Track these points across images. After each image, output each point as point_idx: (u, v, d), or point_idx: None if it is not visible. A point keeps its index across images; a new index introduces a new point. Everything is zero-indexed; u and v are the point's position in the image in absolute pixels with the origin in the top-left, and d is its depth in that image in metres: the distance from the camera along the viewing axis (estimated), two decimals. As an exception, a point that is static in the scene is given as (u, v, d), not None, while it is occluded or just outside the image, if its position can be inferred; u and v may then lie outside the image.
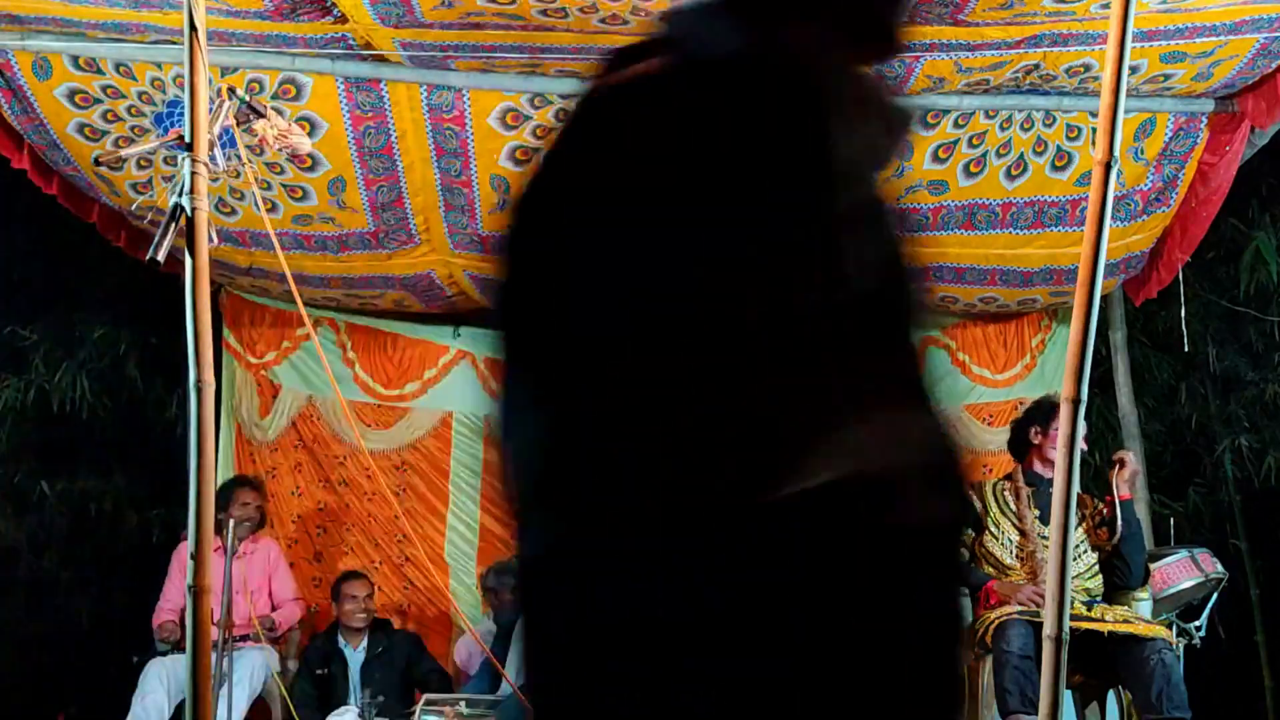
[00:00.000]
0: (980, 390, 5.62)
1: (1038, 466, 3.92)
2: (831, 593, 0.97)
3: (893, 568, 0.99)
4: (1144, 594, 3.83)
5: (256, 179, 4.28)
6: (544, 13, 3.44)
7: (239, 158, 3.58)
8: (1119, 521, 3.71)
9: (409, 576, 5.50)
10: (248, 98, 2.41)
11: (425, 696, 4.15)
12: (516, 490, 1.07)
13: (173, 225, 1.94)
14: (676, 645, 0.96)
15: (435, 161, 4.24)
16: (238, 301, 5.62)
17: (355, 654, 4.74)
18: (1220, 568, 4.22)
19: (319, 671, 4.71)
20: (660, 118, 1.07)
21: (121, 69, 3.86)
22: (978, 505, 3.90)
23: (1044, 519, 3.79)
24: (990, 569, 3.81)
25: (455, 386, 5.71)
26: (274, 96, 3.91)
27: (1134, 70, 3.85)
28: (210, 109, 2.16)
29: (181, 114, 3.49)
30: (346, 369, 5.69)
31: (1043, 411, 3.99)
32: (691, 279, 1.00)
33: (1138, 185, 4.44)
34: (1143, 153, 4.32)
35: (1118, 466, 3.77)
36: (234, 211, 4.49)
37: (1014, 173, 4.37)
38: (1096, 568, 3.77)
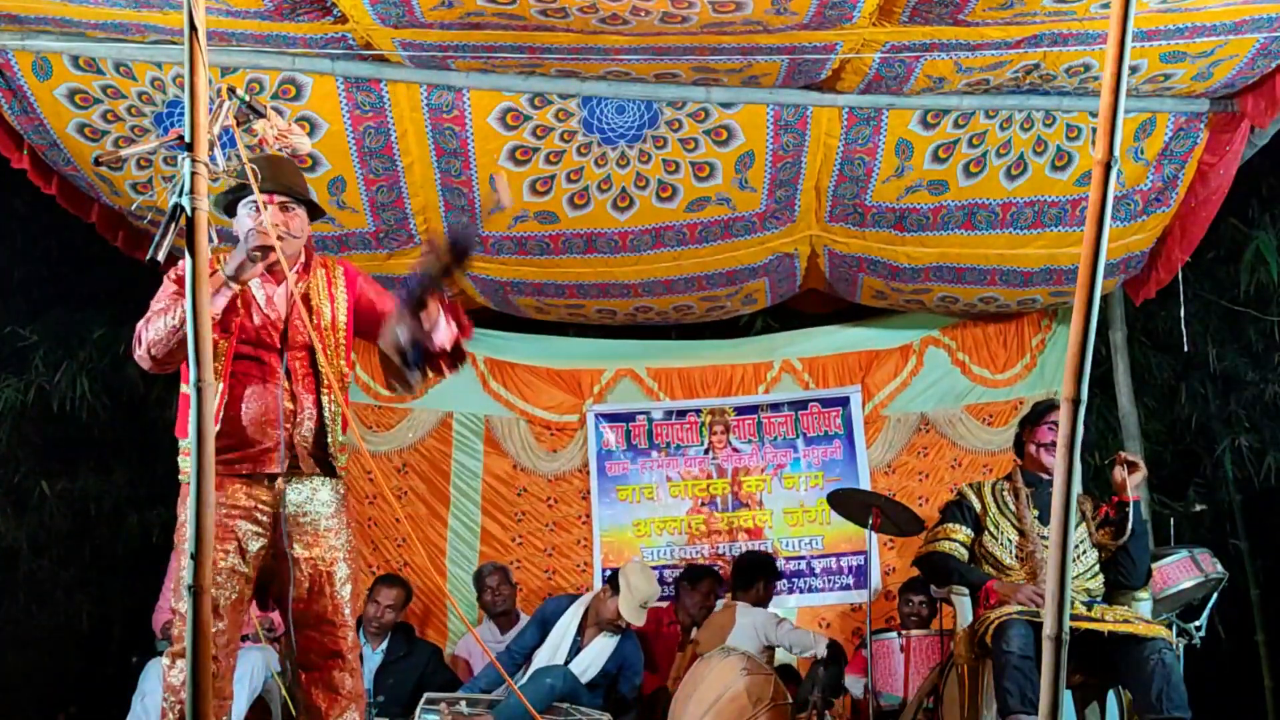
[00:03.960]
0: (980, 390, 5.62)
1: (1032, 465, 3.93)
2: None
3: None
4: (1144, 594, 3.83)
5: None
6: (544, 13, 3.44)
7: (239, 158, 3.58)
8: (1129, 521, 3.72)
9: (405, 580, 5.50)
10: (248, 98, 2.41)
11: (426, 695, 4.15)
12: None
13: (173, 225, 1.94)
14: None
15: (435, 161, 4.24)
16: (238, 301, 5.61)
17: (373, 655, 4.74)
18: (1220, 568, 4.22)
19: None
20: None
21: (121, 69, 3.86)
22: (977, 505, 3.90)
23: (1043, 519, 3.80)
24: (990, 569, 3.81)
25: (455, 386, 5.70)
26: (274, 96, 3.91)
27: (1134, 70, 3.85)
28: (210, 109, 2.16)
29: (181, 114, 3.49)
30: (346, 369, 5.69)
31: (1034, 411, 4.02)
32: None
33: (1138, 185, 4.44)
34: (1143, 153, 4.33)
35: (1128, 468, 3.77)
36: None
37: (1014, 173, 4.38)
38: (1097, 568, 3.77)
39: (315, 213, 2.97)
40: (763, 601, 5.01)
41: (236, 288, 2.71)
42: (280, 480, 2.78)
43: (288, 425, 2.78)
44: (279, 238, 2.70)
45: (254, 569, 2.77)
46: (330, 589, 2.82)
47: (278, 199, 2.81)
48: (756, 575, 5.07)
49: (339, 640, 2.83)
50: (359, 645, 2.94)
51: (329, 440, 2.88)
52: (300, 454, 2.81)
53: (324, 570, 2.82)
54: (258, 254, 2.70)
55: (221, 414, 2.71)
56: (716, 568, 5.45)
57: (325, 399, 2.86)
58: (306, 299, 2.87)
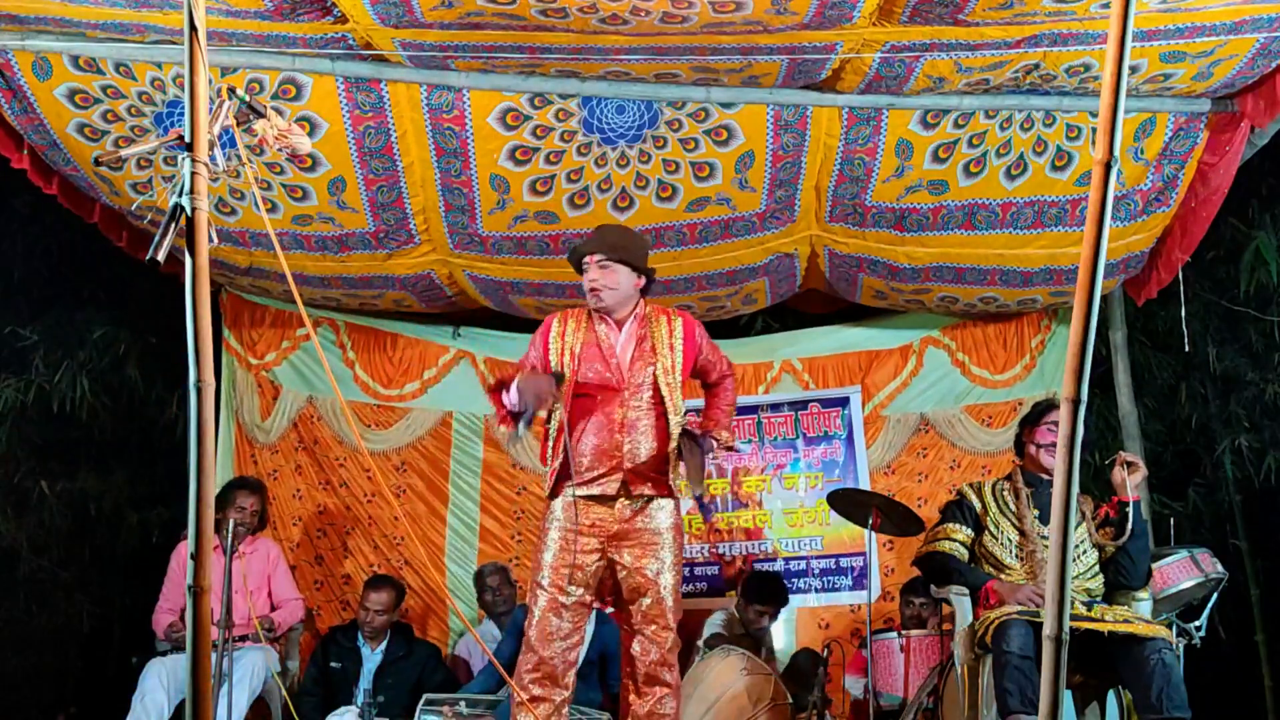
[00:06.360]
0: (980, 391, 5.62)
1: (1032, 466, 3.93)
2: None
3: None
4: (1144, 594, 3.83)
5: (256, 179, 4.28)
6: (544, 13, 3.44)
7: (239, 158, 3.58)
8: (1129, 522, 3.72)
9: (406, 579, 5.50)
10: (248, 98, 2.41)
11: (425, 696, 4.15)
12: None
13: (173, 225, 1.94)
14: None
15: (435, 161, 4.24)
16: (238, 301, 5.62)
17: (372, 656, 4.75)
18: (1220, 568, 4.22)
19: (333, 664, 4.72)
20: None
21: (121, 69, 3.86)
22: (977, 505, 3.90)
23: (1043, 519, 3.80)
24: (990, 569, 3.81)
25: (455, 386, 5.72)
26: (274, 96, 3.91)
27: (1134, 70, 3.85)
28: (210, 109, 2.16)
29: (181, 114, 3.49)
30: (346, 369, 5.70)
31: (1034, 411, 4.03)
32: None
33: (1138, 185, 4.44)
34: (1143, 153, 4.33)
35: (1128, 469, 3.78)
36: (234, 211, 4.49)
37: (1014, 173, 4.38)
38: (1096, 568, 3.78)
39: (639, 270, 3.38)
40: (749, 618, 4.89)
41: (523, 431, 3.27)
42: (620, 501, 3.23)
43: (617, 454, 3.23)
44: (594, 290, 3.30)
45: (595, 579, 3.25)
46: (659, 603, 3.20)
47: (596, 258, 3.31)
48: (749, 596, 4.94)
49: (667, 646, 3.21)
50: (678, 645, 3.28)
51: (667, 468, 3.27)
52: (631, 480, 3.23)
53: (655, 586, 3.20)
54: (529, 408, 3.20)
55: (563, 444, 3.26)
56: (716, 567, 5.46)
57: (671, 435, 3.28)
58: (645, 344, 3.35)
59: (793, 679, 4.41)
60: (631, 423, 3.25)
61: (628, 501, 3.24)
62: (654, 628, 3.20)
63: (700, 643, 4.67)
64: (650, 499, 3.26)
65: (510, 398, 3.24)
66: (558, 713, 3.19)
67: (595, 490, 3.24)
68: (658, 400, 3.29)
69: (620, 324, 3.37)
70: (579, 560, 3.21)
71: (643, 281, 3.40)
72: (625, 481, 3.23)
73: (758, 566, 5.50)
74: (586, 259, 3.34)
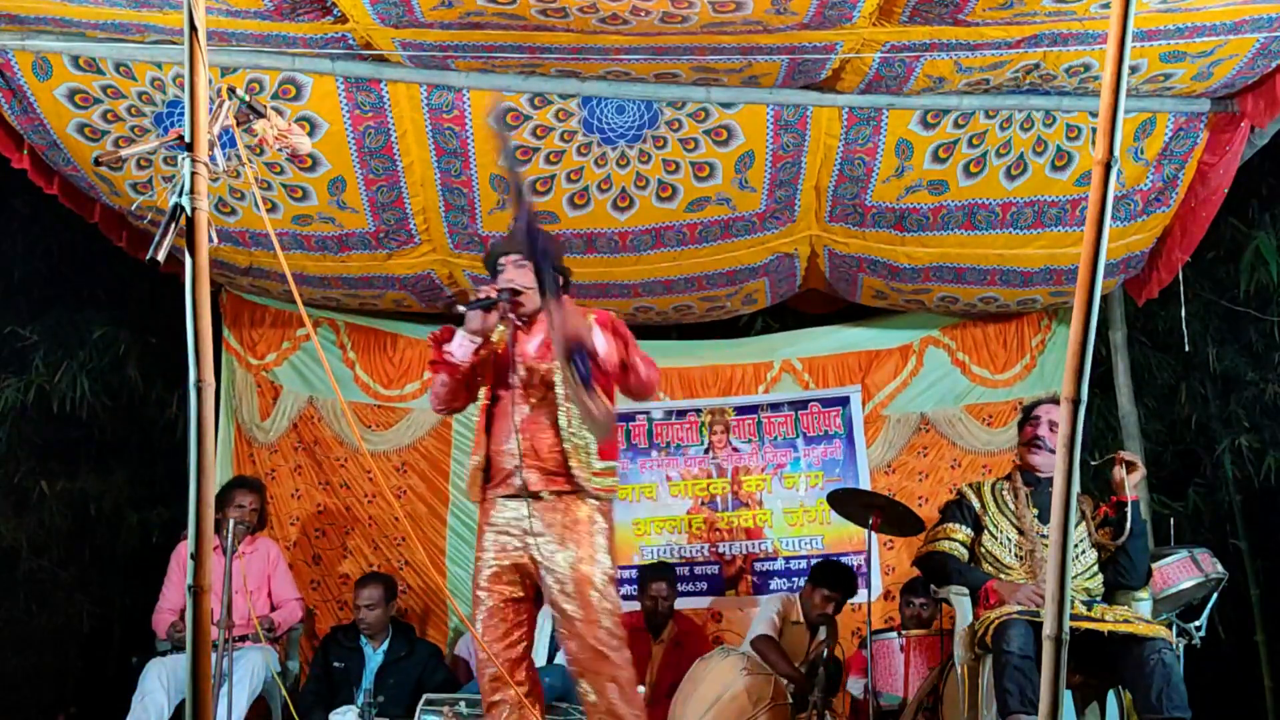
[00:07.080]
0: (980, 390, 5.62)
1: (1025, 465, 3.94)
2: None
3: None
4: (1144, 594, 3.83)
5: (256, 179, 4.28)
6: (544, 13, 3.44)
7: (239, 158, 3.58)
8: (1128, 521, 3.72)
9: (406, 580, 5.50)
10: (248, 98, 2.41)
11: (425, 696, 4.15)
12: None
13: (173, 225, 1.94)
14: None
15: (435, 161, 4.24)
16: (238, 301, 5.62)
17: (374, 655, 4.75)
18: (1220, 568, 4.22)
19: (335, 664, 4.72)
20: None
21: (121, 69, 3.86)
22: (977, 505, 3.91)
23: (1042, 518, 3.80)
24: (990, 568, 3.81)
25: (455, 387, 5.71)
26: (274, 96, 3.91)
27: (1134, 70, 3.85)
28: (210, 109, 2.16)
29: (181, 114, 3.50)
30: (346, 369, 5.70)
31: (1023, 411, 4.05)
32: None
33: (1138, 185, 4.44)
34: (1143, 153, 4.33)
35: (1126, 468, 3.78)
36: (234, 211, 4.49)
37: (1014, 173, 4.38)
38: (1096, 568, 3.78)
39: (555, 268, 3.25)
40: (814, 604, 4.85)
41: (477, 340, 3.23)
42: (529, 500, 3.19)
43: (517, 453, 3.20)
44: (515, 291, 3.23)
45: (519, 574, 3.20)
46: (581, 594, 3.12)
47: (512, 258, 3.28)
48: (819, 582, 4.88)
49: (596, 637, 3.11)
50: (620, 640, 3.17)
51: (570, 465, 3.19)
52: (534, 477, 3.19)
53: (572, 577, 3.13)
54: (474, 305, 3.19)
55: (484, 444, 3.27)
56: (716, 567, 5.46)
57: (565, 431, 3.20)
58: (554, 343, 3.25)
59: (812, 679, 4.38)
60: (530, 420, 3.20)
61: (533, 499, 3.19)
62: (579, 623, 3.10)
63: (748, 641, 4.59)
64: (557, 495, 3.18)
65: (451, 344, 3.22)
66: (518, 709, 3.14)
67: (505, 489, 3.22)
68: (556, 398, 3.22)
69: (531, 323, 3.32)
70: (499, 561, 3.18)
71: (560, 280, 3.31)
72: (527, 479, 3.18)
73: (758, 566, 5.50)
74: (502, 260, 3.29)
